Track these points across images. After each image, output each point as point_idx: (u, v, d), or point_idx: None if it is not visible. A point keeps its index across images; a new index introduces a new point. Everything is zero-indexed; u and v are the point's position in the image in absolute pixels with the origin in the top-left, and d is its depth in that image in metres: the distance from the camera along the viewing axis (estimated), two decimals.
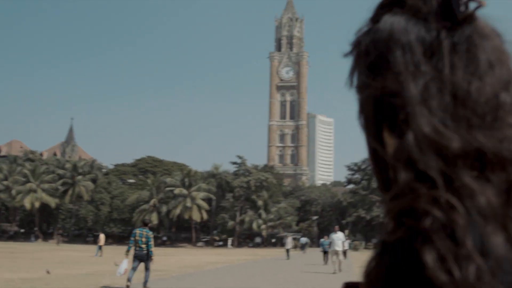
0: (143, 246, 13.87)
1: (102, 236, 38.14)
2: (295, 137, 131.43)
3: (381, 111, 0.58)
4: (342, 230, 66.31)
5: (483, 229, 0.46)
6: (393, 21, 0.60)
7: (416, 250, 0.46)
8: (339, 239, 22.50)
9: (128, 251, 14.18)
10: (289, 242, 38.30)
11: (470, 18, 0.55)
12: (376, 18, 0.63)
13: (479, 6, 0.55)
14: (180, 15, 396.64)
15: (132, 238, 14.08)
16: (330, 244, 23.54)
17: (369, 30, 0.63)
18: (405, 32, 0.58)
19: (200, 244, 73.00)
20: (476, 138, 0.50)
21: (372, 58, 0.60)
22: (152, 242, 14.00)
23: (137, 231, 14.16)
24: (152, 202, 69.60)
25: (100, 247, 36.03)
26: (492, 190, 0.48)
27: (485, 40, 0.55)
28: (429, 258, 0.45)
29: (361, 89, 0.62)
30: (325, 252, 29.84)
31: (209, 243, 73.61)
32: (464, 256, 0.45)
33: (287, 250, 37.52)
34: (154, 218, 68.42)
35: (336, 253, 22.43)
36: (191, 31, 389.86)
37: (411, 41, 0.57)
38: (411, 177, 0.49)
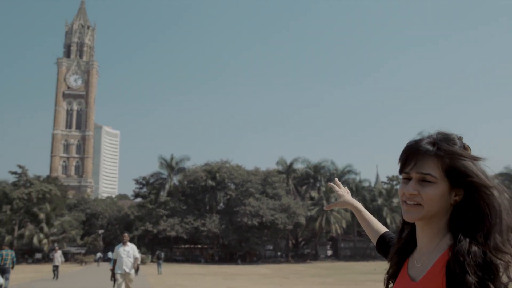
0: (7, 262, 19.17)
1: None
2: (81, 148, 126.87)
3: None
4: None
5: None
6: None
7: None
8: (129, 255, 13.85)
9: None
10: (58, 257, 30.61)
11: None
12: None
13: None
14: None
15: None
16: (114, 262, 13.88)
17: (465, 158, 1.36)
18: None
19: None
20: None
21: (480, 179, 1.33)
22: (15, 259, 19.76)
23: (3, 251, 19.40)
24: None
25: None
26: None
27: None
28: None
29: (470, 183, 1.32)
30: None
31: None
32: None
33: (55, 267, 29.93)
34: None
35: (124, 276, 13.74)
36: None
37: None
38: None
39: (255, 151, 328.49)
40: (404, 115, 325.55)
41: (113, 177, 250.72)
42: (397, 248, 1.48)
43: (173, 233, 69.82)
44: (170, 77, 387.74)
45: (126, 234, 14.36)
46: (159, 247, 67.94)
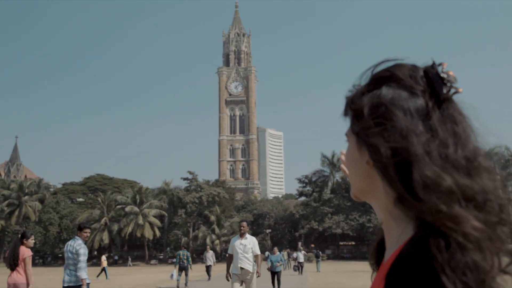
0: (185, 261, 22.46)
1: (103, 258, 37.64)
2: (246, 151, 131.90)
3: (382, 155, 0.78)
4: (295, 242, 66.75)
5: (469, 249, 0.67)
6: (394, 91, 0.80)
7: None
8: (245, 249, 10.64)
9: (176, 265, 22.79)
10: (210, 257, 29.54)
11: (449, 100, 0.78)
12: (371, 87, 0.84)
13: (456, 92, 0.78)
14: (126, 32, 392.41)
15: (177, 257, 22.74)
16: (229, 258, 10.73)
17: (367, 93, 0.83)
18: (405, 100, 0.78)
19: (153, 261, 72.01)
20: (459, 180, 0.73)
21: (372, 115, 0.81)
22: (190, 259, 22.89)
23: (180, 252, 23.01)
24: (102, 221, 68.32)
25: (104, 269, 35.56)
26: (475, 218, 0.70)
27: (459, 117, 0.79)
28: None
29: (364, 135, 0.82)
30: (274, 274, 20.03)
31: (163, 261, 72.75)
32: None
33: (208, 268, 29.36)
34: (105, 237, 67.22)
35: (241, 276, 10.47)
36: (139, 48, 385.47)
37: (410, 108, 0.78)
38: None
39: None
40: None
41: (279, 177, 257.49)
42: (373, 249, 0.99)
43: (338, 231, 69.16)
44: (326, 72, 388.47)
45: (244, 223, 10.86)
46: (325, 245, 67.73)
